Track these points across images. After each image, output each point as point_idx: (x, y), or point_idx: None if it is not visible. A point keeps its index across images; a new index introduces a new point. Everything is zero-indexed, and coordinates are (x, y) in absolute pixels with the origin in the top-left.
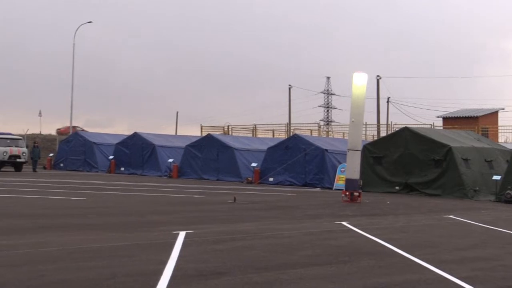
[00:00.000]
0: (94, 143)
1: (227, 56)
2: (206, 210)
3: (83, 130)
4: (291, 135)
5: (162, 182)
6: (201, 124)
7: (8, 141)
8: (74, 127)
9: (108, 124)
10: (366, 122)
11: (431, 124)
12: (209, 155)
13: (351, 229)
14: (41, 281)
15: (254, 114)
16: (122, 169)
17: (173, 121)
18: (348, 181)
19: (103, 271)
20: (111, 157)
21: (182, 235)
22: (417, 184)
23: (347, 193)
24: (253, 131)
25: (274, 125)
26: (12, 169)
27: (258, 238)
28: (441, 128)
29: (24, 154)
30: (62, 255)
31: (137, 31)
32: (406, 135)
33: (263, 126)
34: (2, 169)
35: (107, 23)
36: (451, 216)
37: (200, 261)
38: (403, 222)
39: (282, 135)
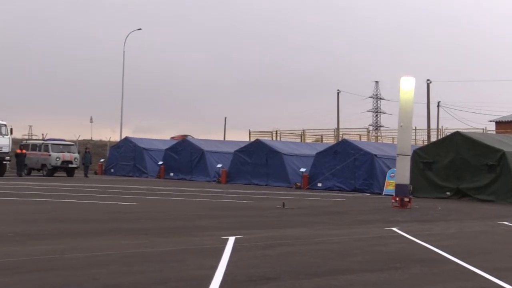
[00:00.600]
0: (144, 148)
1: (274, 61)
2: (255, 215)
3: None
4: (340, 140)
5: (211, 187)
6: (249, 130)
7: (61, 147)
8: (185, 135)
9: (158, 130)
10: (415, 127)
11: (483, 129)
12: (258, 160)
13: (401, 235)
14: (94, 285)
15: (302, 119)
16: (171, 174)
17: (221, 126)
18: (398, 187)
19: (154, 275)
20: (160, 162)
21: (231, 240)
22: (469, 190)
23: (397, 199)
24: (301, 136)
25: (323, 130)
26: (65, 174)
27: (308, 244)
28: (494, 132)
29: (76, 160)
30: (115, 259)
31: (187, 37)
32: (457, 140)
33: (312, 131)
34: (55, 175)
35: (157, 28)
36: (505, 223)
37: (249, 267)
38: (455, 228)
39: (330, 140)
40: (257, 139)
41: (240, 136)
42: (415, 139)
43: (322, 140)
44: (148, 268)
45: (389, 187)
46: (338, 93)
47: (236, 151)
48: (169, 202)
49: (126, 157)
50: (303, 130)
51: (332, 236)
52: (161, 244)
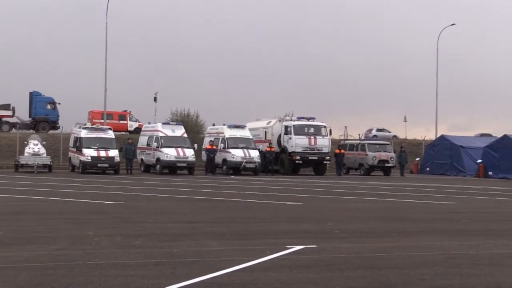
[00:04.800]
0: (461, 146)
1: None
2: None
3: None
4: None
5: None
6: None
7: (377, 146)
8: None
9: (472, 127)
10: None
11: None
12: None
13: None
14: (422, 285)
15: None
16: (490, 173)
17: None
18: None
19: (485, 279)
20: (479, 161)
21: None
22: None
23: None
24: None
25: None
26: (381, 174)
27: None
28: None
29: (392, 159)
30: (441, 260)
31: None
32: None
33: None
34: (371, 174)
35: (468, 24)
36: None
37: None
38: None
39: None
40: None
41: None
42: None
43: None
44: (478, 271)
45: None
46: None
47: None
48: (493, 202)
49: (442, 156)
50: None
51: None
52: (490, 246)
